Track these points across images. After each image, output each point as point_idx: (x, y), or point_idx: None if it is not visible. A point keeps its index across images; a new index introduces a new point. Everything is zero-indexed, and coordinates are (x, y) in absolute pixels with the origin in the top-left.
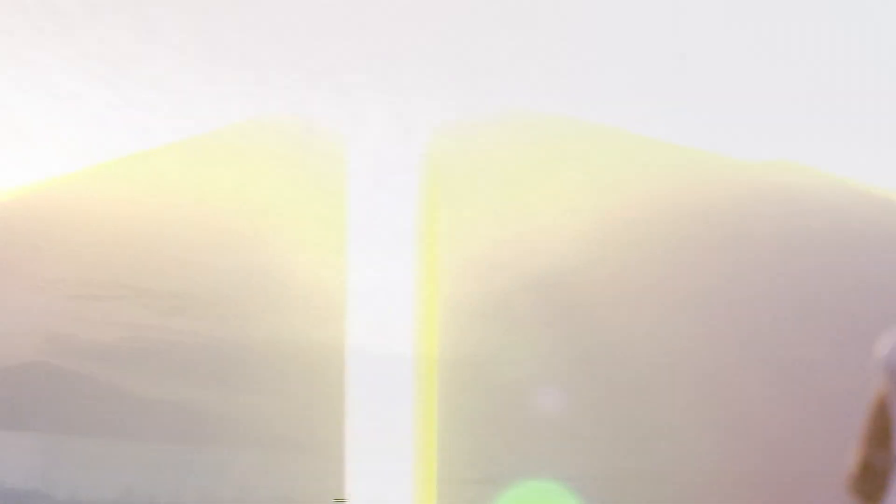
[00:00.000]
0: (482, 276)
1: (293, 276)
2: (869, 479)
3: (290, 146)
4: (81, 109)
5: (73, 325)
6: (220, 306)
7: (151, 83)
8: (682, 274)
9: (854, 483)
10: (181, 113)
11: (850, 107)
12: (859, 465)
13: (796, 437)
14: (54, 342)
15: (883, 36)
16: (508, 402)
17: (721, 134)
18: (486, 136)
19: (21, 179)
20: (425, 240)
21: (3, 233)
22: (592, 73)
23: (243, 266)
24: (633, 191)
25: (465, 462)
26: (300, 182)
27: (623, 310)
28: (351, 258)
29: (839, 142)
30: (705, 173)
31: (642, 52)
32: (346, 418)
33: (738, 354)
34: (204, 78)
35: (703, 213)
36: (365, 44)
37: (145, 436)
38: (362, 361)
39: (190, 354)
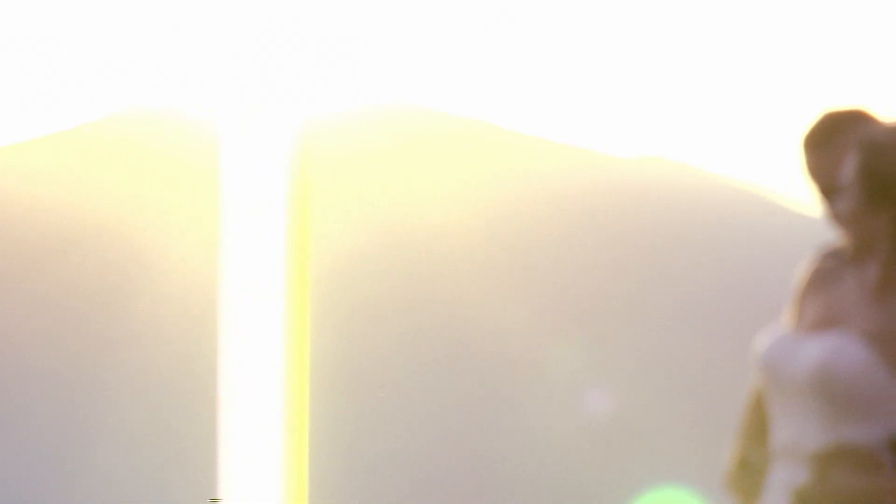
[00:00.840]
0: (355, 272)
1: (165, 273)
2: (746, 476)
3: (162, 140)
4: None
5: None
6: (89, 301)
7: (19, 74)
8: (557, 268)
9: (731, 480)
10: (50, 106)
11: (721, 103)
12: (736, 462)
13: (675, 434)
14: None
15: (753, 33)
16: (380, 400)
17: (594, 129)
18: (359, 129)
19: None
20: (297, 236)
21: None
22: (464, 67)
23: (114, 261)
24: (505, 186)
25: (337, 461)
26: (172, 176)
27: (497, 306)
28: (223, 255)
29: (711, 138)
30: (578, 168)
31: (515, 47)
32: (219, 418)
33: (613, 348)
34: (74, 70)
35: (577, 208)
36: (237, 37)
37: (8, 435)
38: (234, 360)
39: (65, 349)
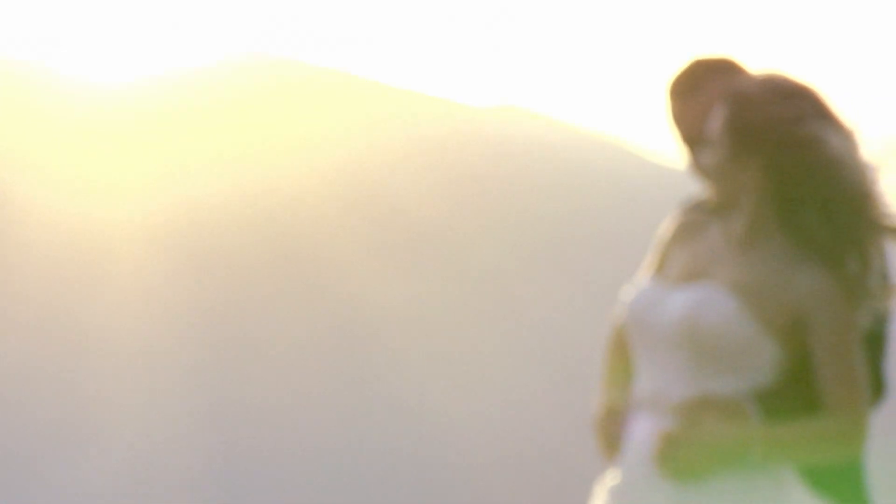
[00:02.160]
0: (213, 225)
1: (25, 232)
2: (613, 422)
3: (19, 91)
4: None
5: None
6: None
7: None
8: (412, 217)
9: (599, 427)
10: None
11: (576, 51)
12: (603, 409)
13: (529, 388)
14: None
15: None
16: (238, 352)
17: (448, 78)
18: (217, 81)
19: None
20: (154, 189)
21: None
22: (320, 17)
23: None
24: (361, 136)
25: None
26: (33, 129)
27: (353, 254)
28: (78, 208)
29: (566, 87)
30: (434, 117)
31: None
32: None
33: (473, 297)
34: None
35: (432, 157)
36: None
37: None
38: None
39: None
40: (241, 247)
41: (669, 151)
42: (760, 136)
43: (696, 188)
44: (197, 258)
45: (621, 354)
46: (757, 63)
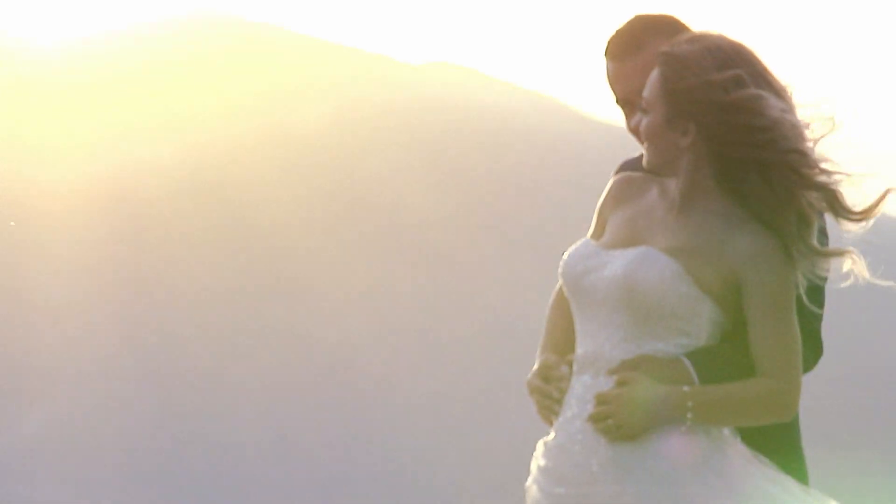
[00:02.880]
0: (148, 189)
1: None
2: (552, 383)
3: None
4: None
5: None
6: None
7: None
8: (346, 173)
9: (534, 388)
10: None
11: (508, 9)
12: (541, 369)
13: (471, 341)
14: None
15: None
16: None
17: (385, 36)
18: (156, 39)
19: None
20: (91, 152)
21: None
22: None
23: None
24: (296, 92)
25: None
26: None
27: (285, 211)
28: (15, 170)
29: (498, 44)
30: (368, 74)
31: None
32: None
33: (404, 253)
34: None
35: (366, 113)
36: None
37: None
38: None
39: None
40: (178, 210)
41: (608, 108)
42: (696, 99)
43: (636, 147)
44: (134, 221)
45: (562, 316)
46: (702, 20)
